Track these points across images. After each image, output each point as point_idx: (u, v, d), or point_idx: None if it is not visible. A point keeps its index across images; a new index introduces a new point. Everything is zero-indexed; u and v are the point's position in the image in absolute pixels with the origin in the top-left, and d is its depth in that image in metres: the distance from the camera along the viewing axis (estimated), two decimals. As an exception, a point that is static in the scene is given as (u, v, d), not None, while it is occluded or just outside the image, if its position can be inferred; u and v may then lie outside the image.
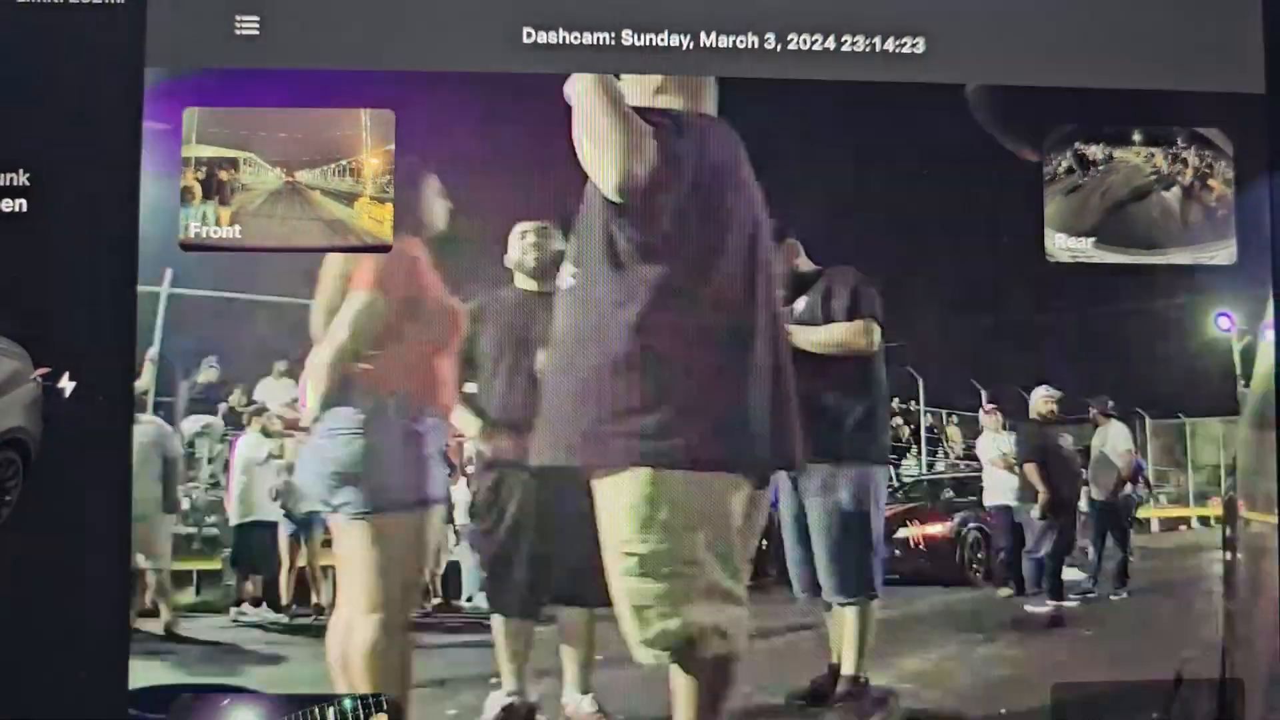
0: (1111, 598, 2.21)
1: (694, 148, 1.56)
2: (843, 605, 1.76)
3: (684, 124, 1.58)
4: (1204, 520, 2.54)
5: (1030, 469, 2.24)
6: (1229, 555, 2.24)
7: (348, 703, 1.88)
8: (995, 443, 2.36)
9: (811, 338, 1.74)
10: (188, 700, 1.90)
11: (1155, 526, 2.48)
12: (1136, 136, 2.16)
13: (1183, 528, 2.57)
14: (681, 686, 1.41)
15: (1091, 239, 2.15)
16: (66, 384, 1.90)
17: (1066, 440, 2.34)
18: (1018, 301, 2.20)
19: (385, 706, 1.89)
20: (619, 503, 1.40)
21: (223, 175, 1.97)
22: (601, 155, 1.45)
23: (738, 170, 1.59)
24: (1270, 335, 2.14)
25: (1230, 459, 2.34)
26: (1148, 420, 2.53)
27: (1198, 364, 2.30)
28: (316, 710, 1.86)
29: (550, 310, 1.61)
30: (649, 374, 1.43)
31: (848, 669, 1.70)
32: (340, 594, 1.68)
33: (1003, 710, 1.53)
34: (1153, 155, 2.16)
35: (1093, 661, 1.87)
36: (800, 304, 1.80)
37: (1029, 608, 2.15)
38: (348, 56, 2.00)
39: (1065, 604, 2.15)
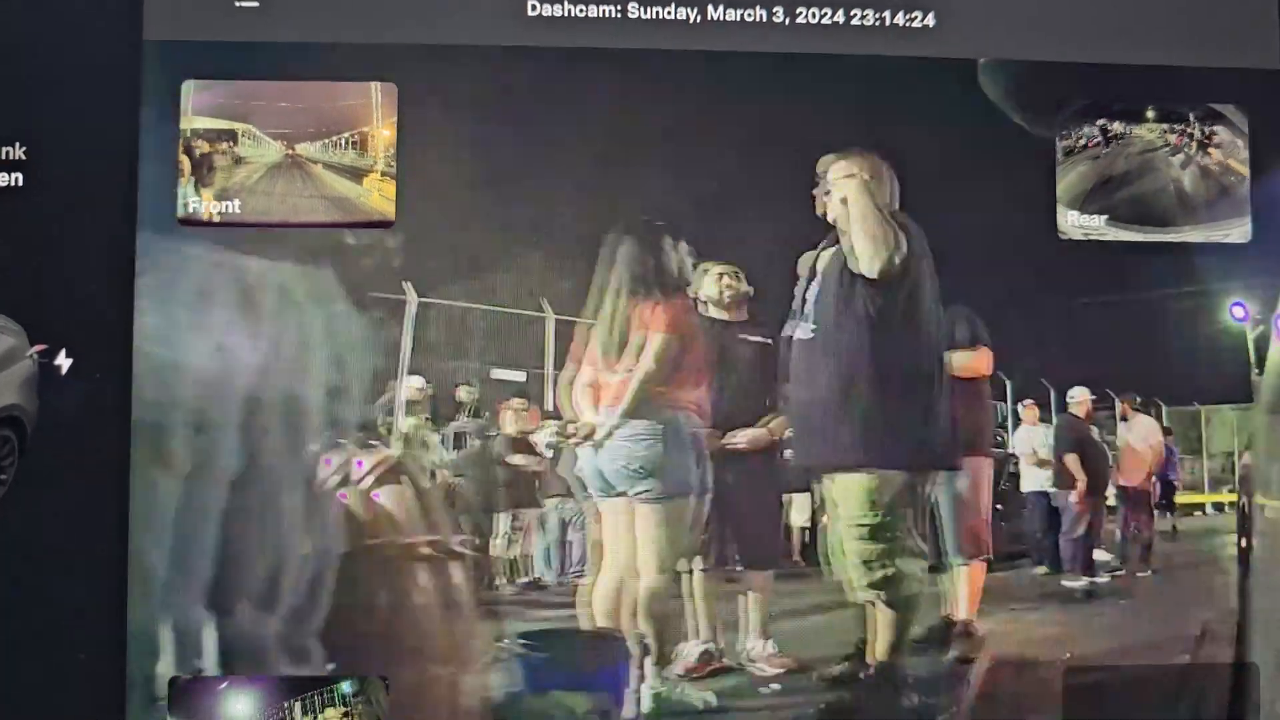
0: (1138, 575, 2.44)
1: (916, 242, 2.08)
2: (963, 565, 2.23)
3: (907, 224, 2.08)
4: (1218, 506, 2.66)
5: (1072, 460, 2.53)
6: (1244, 541, 2.22)
7: (345, 686, 1.86)
8: (1031, 436, 2.57)
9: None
10: (185, 683, 1.87)
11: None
12: (1150, 113, 2.13)
13: (1197, 514, 2.69)
14: (886, 617, 2.01)
15: (1104, 216, 2.12)
16: (63, 361, 1.87)
17: (1096, 432, 2.57)
18: (1030, 287, 2.27)
19: (386, 689, 1.88)
20: (853, 491, 2.02)
21: (205, 147, 1.94)
22: (870, 244, 2.00)
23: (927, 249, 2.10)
24: (1284, 322, 2.13)
25: (1244, 445, 2.34)
26: (1164, 408, 2.67)
27: (1212, 353, 2.28)
28: (315, 698, 1.85)
29: (734, 334, 2.28)
30: (872, 403, 2.02)
31: (963, 614, 2.16)
32: (608, 560, 2.16)
33: (1068, 654, 1.96)
34: (1166, 131, 2.12)
35: (1131, 622, 2.26)
36: None
37: (1066, 582, 2.45)
38: (349, 29, 1.97)
39: (1098, 580, 2.44)
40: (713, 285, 2.27)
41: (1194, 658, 1.88)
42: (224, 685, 1.85)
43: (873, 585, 2.00)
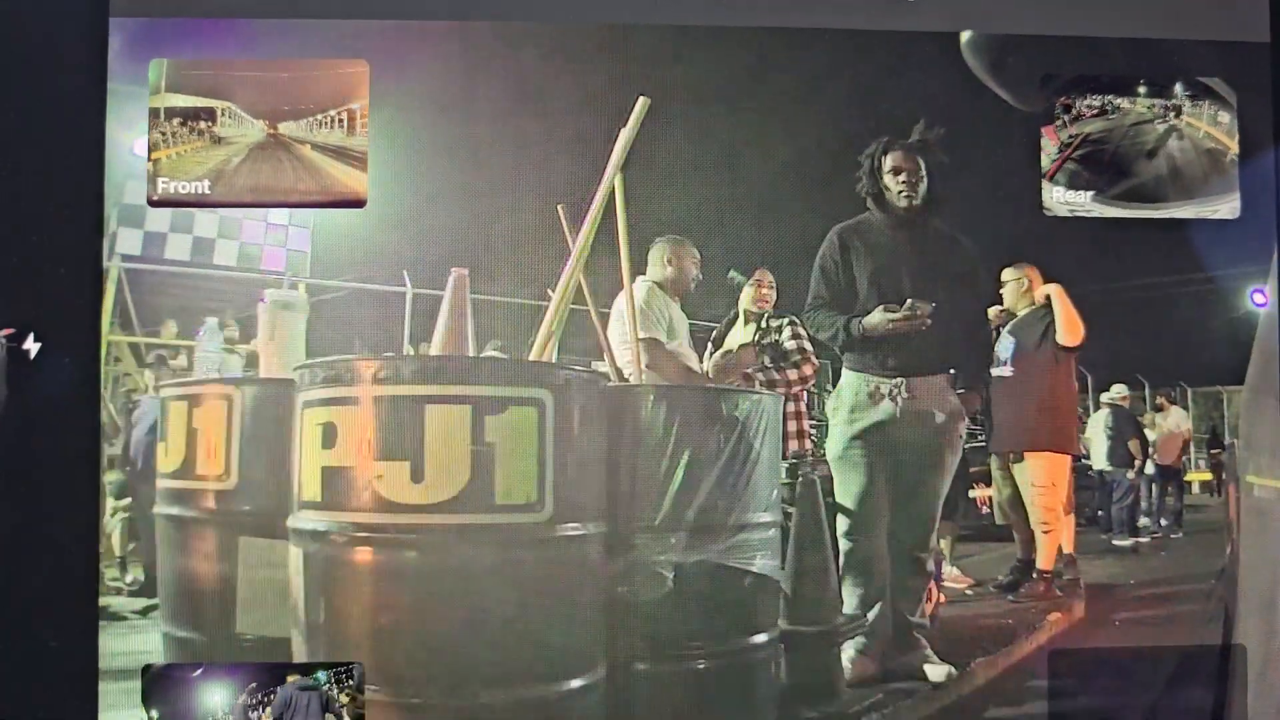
0: (1172, 536, 3.18)
1: None
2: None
3: None
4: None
5: (1134, 444, 3.19)
6: (1233, 519, 2.23)
7: (320, 675, 1.84)
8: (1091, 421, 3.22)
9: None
10: (160, 671, 1.85)
11: (1196, 489, 3.28)
12: (1139, 88, 2.09)
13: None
14: (1045, 540, 2.88)
15: (1090, 193, 2.09)
16: (32, 345, 1.84)
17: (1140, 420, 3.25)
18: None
19: (356, 681, 1.86)
20: (1040, 465, 2.91)
21: (179, 126, 1.90)
22: (1068, 326, 2.74)
23: None
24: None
25: (1232, 423, 2.37)
26: (1188, 391, 3.20)
27: (1232, 336, 2.30)
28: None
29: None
30: (1048, 413, 2.88)
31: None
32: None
33: (1131, 580, 2.83)
34: (1152, 105, 2.09)
35: (1171, 566, 3.00)
36: None
37: (1116, 542, 3.14)
38: (320, 6, 1.93)
39: (1140, 540, 3.12)
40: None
41: (1216, 586, 2.33)
42: (198, 673, 1.83)
43: (1044, 525, 2.92)
